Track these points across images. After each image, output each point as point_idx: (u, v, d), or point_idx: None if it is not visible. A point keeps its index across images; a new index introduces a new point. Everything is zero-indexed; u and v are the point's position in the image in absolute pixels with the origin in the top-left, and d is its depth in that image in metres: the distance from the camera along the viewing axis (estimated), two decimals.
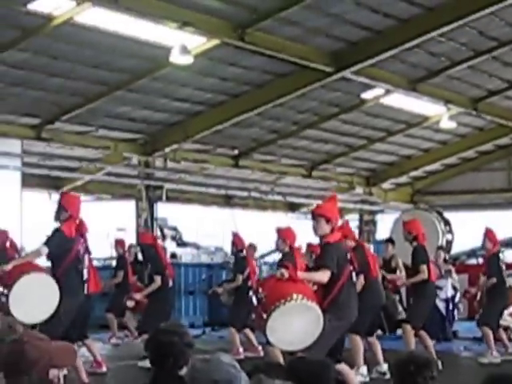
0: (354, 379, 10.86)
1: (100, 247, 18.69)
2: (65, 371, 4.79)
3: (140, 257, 17.98)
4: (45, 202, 20.63)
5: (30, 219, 19.48)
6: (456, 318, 20.44)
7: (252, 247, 18.05)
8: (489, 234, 16.70)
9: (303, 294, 9.98)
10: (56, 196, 20.69)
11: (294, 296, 9.89)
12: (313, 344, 9.76)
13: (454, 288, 19.89)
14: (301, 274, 10.58)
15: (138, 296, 16.28)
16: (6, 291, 11.48)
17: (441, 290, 17.74)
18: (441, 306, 17.98)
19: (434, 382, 4.90)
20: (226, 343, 15.99)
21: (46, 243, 11.70)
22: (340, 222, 13.13)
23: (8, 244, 16.16)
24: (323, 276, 10.28)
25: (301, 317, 9.93)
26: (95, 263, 14.60)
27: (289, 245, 14.31)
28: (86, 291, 11.98)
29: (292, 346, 9.99)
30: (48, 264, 12.07)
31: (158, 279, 15.40)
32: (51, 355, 4.75)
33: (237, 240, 17.03)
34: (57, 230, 11.77)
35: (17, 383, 4.42)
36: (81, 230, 12.01)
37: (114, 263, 19.36)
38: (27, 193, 21.51)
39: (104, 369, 13.72)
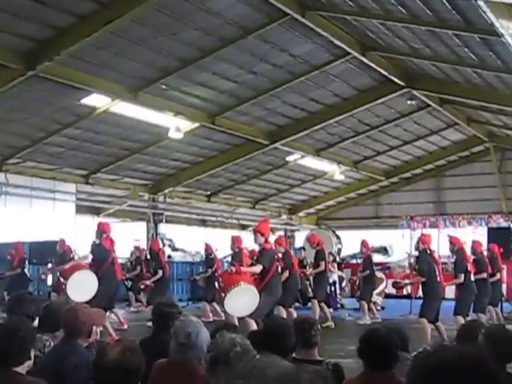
0: None
1: (124, 251, 18.22)
2: (100, 327, 4.97)
3: (148, 257, 17.55)
4: (90, 223, 20.28)
5: (80, 233, 19.15)
6: (342, 295, 20.39)
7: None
8: (364, 243, 16.78)
9: (244, 281, 10.23)
10: (96, 219, 20.67)
11: (240, 283, 10.17)
12: (255, 310, 9.96)
13: (339, 277, 19.78)
14: (243, 269, 10.76)
15: (147, 282, 16.06)
16: (65, 281, 11.62)
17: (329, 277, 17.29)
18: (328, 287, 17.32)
19: (317, 334, 5.27)
20: (200, 311, 15.62)
21: (92, 253, 11.97)
22: (276, 236, 13.19)
23: (66, 248, 16.05)
24: (257, 269, 10.56)
25: (244, 295, 10.15)
26: (120, 261, 14.36)
27: (237, 247, 14.22)
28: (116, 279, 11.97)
29: (240, 313, 10.24)
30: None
31: (159, 272, 15.30)
32: (92, 317, 4.93)
33: (208, 247, 16.79)
34: (99, 245, 11.78)
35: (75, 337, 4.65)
36: (113, 244, 11.94)
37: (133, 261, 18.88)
38: (78, 216, 21.22)
39: (125, 327, 13.55)
